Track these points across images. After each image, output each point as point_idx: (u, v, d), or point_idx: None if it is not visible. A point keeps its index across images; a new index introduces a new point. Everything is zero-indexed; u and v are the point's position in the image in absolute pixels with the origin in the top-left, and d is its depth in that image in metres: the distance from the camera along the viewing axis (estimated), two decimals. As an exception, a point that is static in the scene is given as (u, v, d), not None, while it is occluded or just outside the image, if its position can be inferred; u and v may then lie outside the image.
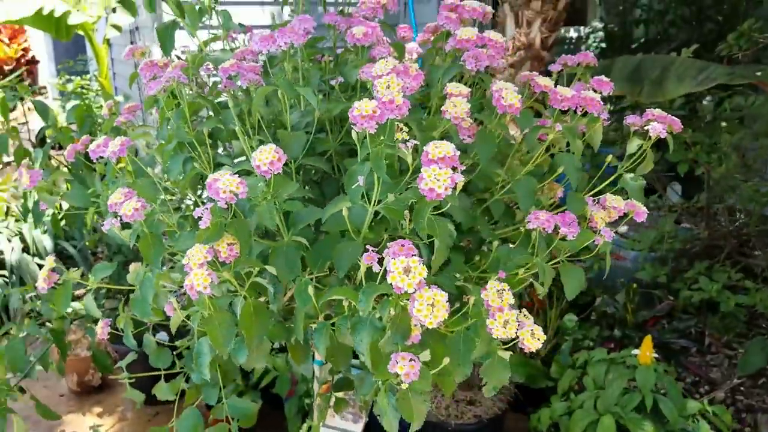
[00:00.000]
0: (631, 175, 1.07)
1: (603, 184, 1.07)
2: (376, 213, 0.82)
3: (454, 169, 0.67)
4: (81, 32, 3.69)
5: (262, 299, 0.91)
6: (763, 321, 3.12)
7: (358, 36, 0.92)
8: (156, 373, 1.27)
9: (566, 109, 0.90)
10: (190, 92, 0.99)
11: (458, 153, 0.70)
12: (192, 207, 1.09)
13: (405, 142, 0.77)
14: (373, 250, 0.71)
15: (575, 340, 2.56)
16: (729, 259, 2.90)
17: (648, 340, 1.75)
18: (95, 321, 2.45)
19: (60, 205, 3.51)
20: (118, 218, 0.92)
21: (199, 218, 1.07)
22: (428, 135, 0.85)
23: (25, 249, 3.34)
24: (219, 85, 0.97)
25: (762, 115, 2.35)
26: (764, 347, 2.81)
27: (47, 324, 2.31)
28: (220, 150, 1.09)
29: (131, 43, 4.40)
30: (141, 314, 1.08)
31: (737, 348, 3.01)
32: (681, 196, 3.14)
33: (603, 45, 4.48)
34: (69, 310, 2.36)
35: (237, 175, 0.74)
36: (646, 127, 1.04)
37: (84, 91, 4.82)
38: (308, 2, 1.19)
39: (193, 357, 0.85)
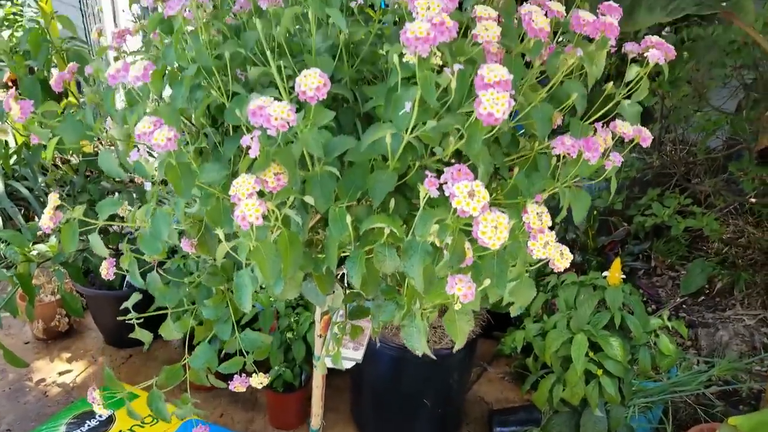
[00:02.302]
0: (629, 101, 1.12)
1: (600, 112, 1.11)
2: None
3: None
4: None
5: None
6: (702, 244, 3.37)
7: (380, -42, 0.89)
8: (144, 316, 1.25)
9: (586, 34, 0.92)
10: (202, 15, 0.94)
11: (512, 76, 0.72)
12: (202, 137, 1.06)
13: (443, 67, 0.78)
14: (433, 176, 0.72)
15: (537, 268, 2.70)
16: (678, 186, 3.09)
17: (617, 263, 1.87)
18: (63, 263, 2.37)
19: (6, 142, 3.30)
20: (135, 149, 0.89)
21: (213, 147, 1.05)
22: (458, 60, 0.85)
23: (-32, 193, 3.13)
24: (235, 6, 0.93)
25: (717, 46, 2.45)
26: (703, 268, 3.05)
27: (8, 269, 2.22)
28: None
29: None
30: (150, 251, 1.06)
31: (680, 270, 3.26)
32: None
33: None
34: (34, 252, 2.27)
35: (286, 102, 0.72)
36: (644, 54, 1.08)
37: (17, 18, 4.43)
38: None
39: (234, 290, 0.85)
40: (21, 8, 4.32)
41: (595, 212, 2.74)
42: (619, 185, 3.07)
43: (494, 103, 0.68)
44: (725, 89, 2.90)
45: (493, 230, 0.67)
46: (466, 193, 0.67)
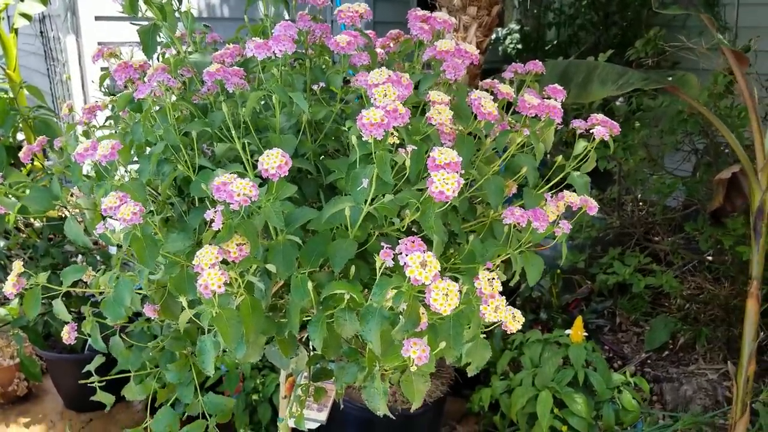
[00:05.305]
0: (578, 173, 1.20)
1: (552, 182, 1.18)
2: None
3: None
4: (-15, 20, 3.43)
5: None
6: (665, 300, 3.46)
7: (342, 44, 0.97)
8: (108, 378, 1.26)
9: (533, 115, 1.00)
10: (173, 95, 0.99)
11: (461, 159, 0.78)
12: (168, 208, 1.10)
13: (399, 146, 0.84)
14: (388, 247, 0.77)
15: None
16: (638, 245, 3.20)
17: (579, 321, 1.92)
18: (23, 327, 2.33)
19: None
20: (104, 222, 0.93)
21: (179, 216, 1.08)
22: (413, 139, 0.92)
23: (-72, 254, 3.07)
24: (203, 89, 0.99)
25: (667, 115, 2.60)
26: (667, 324, 3.12)
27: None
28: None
29: (40, 33, 4.12)
30: (113, 317, 1.07)
31: (644, 326, 3.33)
32: (593, 189, 3.42)
33: (519, 46, 4.74)
34: (-6, 317, 2.23)
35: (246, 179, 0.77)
36: (591, 130, 1.17)
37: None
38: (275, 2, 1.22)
39: (197, 354, 0.87)
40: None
41: (558, 271, 2.81)
42: (581, 244, 3.16)
43: (445, 183, 0.74)
44: (679, 153, 3.06)
45: (444, 297, 0.72)
46: (419, 263, 0.72)
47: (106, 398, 1.22)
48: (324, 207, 0.87)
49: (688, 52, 2.63)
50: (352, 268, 0.92)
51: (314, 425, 1.46)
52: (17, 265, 1.05)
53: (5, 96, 2.12)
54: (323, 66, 1.12)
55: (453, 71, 0.94)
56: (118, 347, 1.24)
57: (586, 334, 1.95)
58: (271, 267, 0.86)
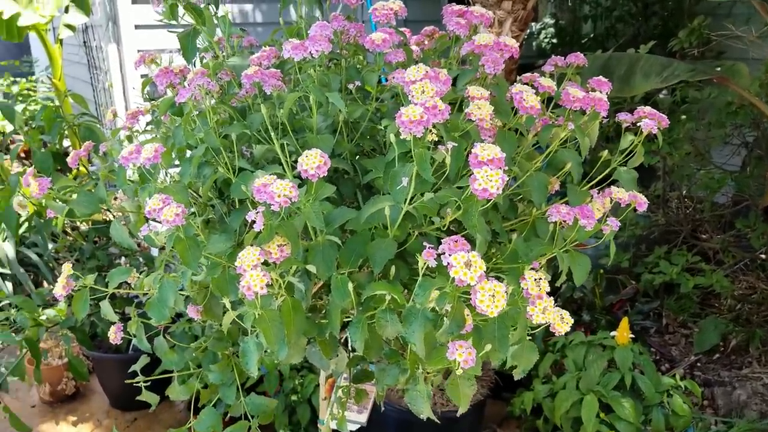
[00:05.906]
0: (624, 168, 1.15)
1: (596, 179, 1.14)
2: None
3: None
4: (33, 32, 3.55)
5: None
6: (714, 301, 3.33)
7: (377, 42, 0.95)
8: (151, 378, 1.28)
9: (577, 108, 0.97)
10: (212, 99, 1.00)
11: (504, 155, 0.76)
12: (209, 210, 1.10)
13: (438, 144, 0.82)
14: (431, 247, 0.76)
15: (545, 327, 2.68)
16: (685, 243, 3.09)
17: (625, 322, 1.86)
18: (71, 328, 2.39)
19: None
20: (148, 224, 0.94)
21: (219, 218, 1.09)
22: (452, 136, 0.90)
23: (-17, 258, 3.19)
24: (241, 91, 0.99)
25: (714, 107, 2.51)
26: (717, 326, 3.00)
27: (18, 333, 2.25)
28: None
29: (84, 42, 4.25)
30: (157, 317, 1.08)
31: (692, 327, 3.21)
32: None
33: (554, 41, 4.65)
34: (44, 317, 2.30)
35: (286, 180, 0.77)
36: (637, 124, 1.13)
37: (30, 93, 4.64)
38: (309, 4, 1.22)
39: (240, 355, 0.87)
40: (35, 84, 4.53)
41: (601, 271, 2.73)
42: (625, 243, 3.07)
43: (488, 180, 0.72)
44: (727, 147, 2.94)
45: (490, 299, 0.70)
46: (463, 263, 0.70)
47: (151, 398, 1.24)
48: (363, 207, 0.86)
49: (735, 41, 2.53)
50: (392, 269, 0.90)
51: (354, 427, 1.45)
52: (67, 268, 1.08)
53: (51, 104, 2.19)
54: (358, 65, 1.11)
55: (492, 65, 0.92)
56: (163, 348, 1.25)
57: (632, 336, 1.89)
58: (311, 267, 0.85)
